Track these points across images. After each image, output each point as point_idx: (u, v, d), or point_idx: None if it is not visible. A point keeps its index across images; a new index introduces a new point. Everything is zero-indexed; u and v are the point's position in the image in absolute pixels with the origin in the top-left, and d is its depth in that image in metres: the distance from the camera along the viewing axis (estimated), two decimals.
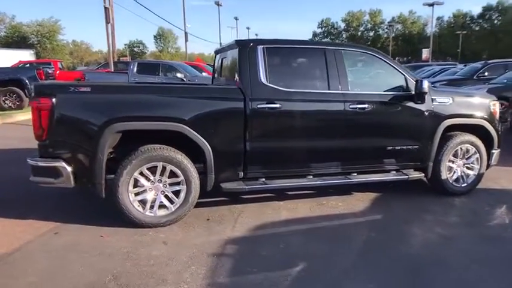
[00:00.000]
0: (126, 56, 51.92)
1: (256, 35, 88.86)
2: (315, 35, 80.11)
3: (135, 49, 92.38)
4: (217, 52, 4.99)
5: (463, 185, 4.57)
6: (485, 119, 4.51)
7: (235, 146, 3.70)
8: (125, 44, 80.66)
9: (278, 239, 3.39)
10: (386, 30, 70.93)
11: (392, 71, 4.24)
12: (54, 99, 3.22)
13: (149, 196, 3.57)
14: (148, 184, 3.55)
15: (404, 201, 4.39)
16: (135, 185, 3.51)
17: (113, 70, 15.60)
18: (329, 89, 3.95)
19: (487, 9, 57.43)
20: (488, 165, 4.65)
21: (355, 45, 4.32)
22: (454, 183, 4.52)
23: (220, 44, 39.32)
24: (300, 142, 3.90)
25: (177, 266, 2.92)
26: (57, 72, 14.74)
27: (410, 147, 4.25)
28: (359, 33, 74.17)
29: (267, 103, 3.69)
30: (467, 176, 4.58)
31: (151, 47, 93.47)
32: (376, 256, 3.11)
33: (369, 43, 71.79)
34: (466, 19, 60.94)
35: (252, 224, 3.71)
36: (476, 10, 65.57)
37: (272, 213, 4.00)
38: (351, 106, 3.95)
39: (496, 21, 56.82)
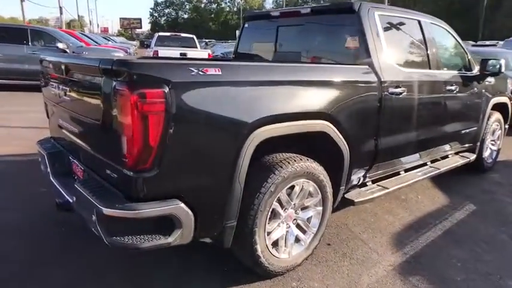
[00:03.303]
0: None
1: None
2: (156, 4, 75.73)
3: None
4: (255, 18, 3.76)
5: (489, 161, 4.75)
6: (508, 96, 4.73)
7: (369, 145, 2.83)
8: None
9: (442, 256, 2.77)
10: (228, 3, 72.35)
11: (459, 48, 3.96)
12: (168, 91, 1.72)
13: (282, 231, 2.42)
14: (283, 214, 2.39)
15: (461, 184, 4.28)
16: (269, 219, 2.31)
17: None
18: (430, 69, 3.40)
19: None
20: None
21: (433, 17, 3.76)
22: (487, 160, 4.66)
23: (60, 8, 33.11)
24: (412, 133, 3.26)
25: None
26: None
27: (473, 128, 4.12)
28: (202, 5, 73.51)
29: (395, 87, 2.90)
30: (492, 151, 4.78)
31: None
32: None
33: (212, 16, 72.26)
34: None
35: (387, 241, 2.95)
36: None
37: (378, 221, 3.31)
38: (446, 88, 3.50)
39: (322, 1, 64.46)
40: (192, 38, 12.96)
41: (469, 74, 3.90)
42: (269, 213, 2.25)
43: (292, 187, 2.36)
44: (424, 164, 3.73)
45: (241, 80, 2.00)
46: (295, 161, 2.31)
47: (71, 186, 2.31)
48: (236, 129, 1.96)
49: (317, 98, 2.38)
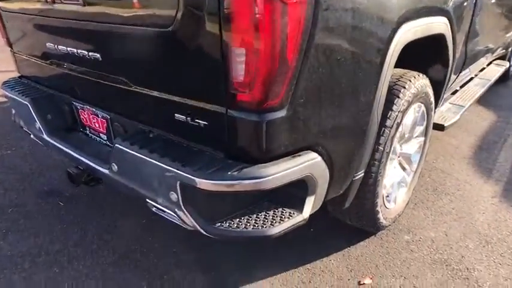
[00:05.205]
0: None
1: None
2: None
3: None
4: None
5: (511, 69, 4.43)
6: None
7: (462, 51, 2.22)
8: None
9: None
10: None
11: None
12: None
13: (394, 174, 1.84)
14: (398, 153, 1.79)
15: (493, 95, 3.92)
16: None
17: None
18: None
19: None
20: None
21: None
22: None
23: None
24: (484, 38, 2.67)
25: None
26: None
27: (511, 33, 3.66)
28: None
29: None
30: None
31: None
32: None
33: None
34: None
35: (469, 168, 2.53)
36: None
37: (442, 145, 2.85)
38: None
39: None
40: None
41: None
42: (390, 155, 1.63)
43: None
44: (472, 78, 3.27)
45: None
46: (414, 78, 1.65)
47: (96, 147, 1.50)
48: (382, 31, 1.22)
49: None
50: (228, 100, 1.01)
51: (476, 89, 3.01)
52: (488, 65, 3.76)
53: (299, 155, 1.11)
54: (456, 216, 2.03)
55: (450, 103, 2.63)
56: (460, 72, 2.36)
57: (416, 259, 1.73)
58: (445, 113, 2.44)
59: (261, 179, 1.03)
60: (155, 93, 1.22)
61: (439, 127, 2.28)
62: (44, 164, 2.58)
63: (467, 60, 2.37)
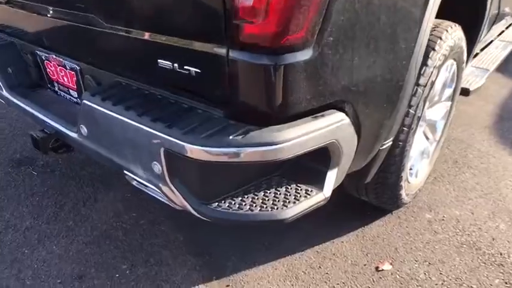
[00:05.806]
0: None
1: None
2: None
3: None
4: None
5: None
6: None
7: (496, 3, 1.94)
8: None
9: None
10: None
11: None
12: None
13: (419, 144, 1.59)
14: (426, 119, 1.54)
15: (510, 78, 3.65)
16: None
17: None
18: None
19: None
20: None
21: None
22: None
23: None
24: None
25: None
26: None
27: None
28: None
29: None
30: None
31: None
32: None
33: None
34: None
35: (490, 138, 2.27)
36: None
37: (458, 113, 2.59)
38: None
39: None
40: None
41: None
42: (420, 121, 1.37)
43: None
44: (491, 41, 2.99)
45: None
46: (451, 28, 1.36)
47: (64, 107, 1.23)
48: None
49: None
50: (230, 36, 0.72)
51: (498, 51, 2.73)
52: (507, 27, 3.48)
53: (322, 115, 0.84)
54: (482, 193, 1.80)
55: (473, 66, 2.35)
56: (491, 28, 2.08)
57: (441, 241, 1.51)
58: (468, 76, 2.17)
59: (274, 146, 0.77)
60: (132, 34, 0.93)
61: (464, 91, 2.02)
62: (17, 129, 2.30)
63: (499, 15, 2.08)
